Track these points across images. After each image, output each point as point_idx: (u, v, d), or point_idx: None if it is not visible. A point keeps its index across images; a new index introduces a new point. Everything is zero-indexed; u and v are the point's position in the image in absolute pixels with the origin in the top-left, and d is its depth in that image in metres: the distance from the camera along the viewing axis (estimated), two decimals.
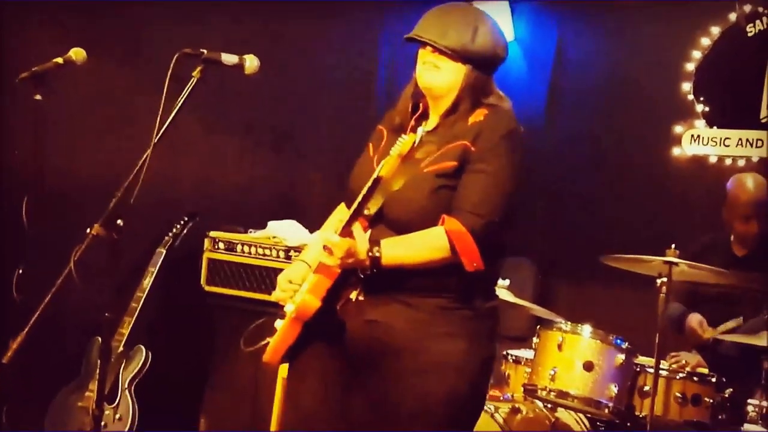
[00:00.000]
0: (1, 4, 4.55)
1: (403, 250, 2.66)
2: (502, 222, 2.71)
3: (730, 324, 4.22)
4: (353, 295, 2.74)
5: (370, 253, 2.62)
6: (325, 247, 2.60)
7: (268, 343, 2.81)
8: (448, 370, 2.70)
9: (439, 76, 2.79)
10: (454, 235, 2.64)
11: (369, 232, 2.69)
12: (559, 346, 4.17)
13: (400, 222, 2.70)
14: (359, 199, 2.62)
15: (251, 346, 2.93)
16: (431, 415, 2.69)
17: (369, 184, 2.60)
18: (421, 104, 2.89)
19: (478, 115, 2.77)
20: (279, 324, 2.81)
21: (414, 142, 2.57)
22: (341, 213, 2.99)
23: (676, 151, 5.48)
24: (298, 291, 2.79)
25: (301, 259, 2.95)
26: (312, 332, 2.76)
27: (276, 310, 2.86)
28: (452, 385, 2.70)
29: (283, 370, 4.43)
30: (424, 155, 2.68)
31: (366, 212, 2.66)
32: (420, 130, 2.65)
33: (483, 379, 2.82)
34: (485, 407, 4.15)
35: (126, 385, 4.58)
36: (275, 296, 2.87)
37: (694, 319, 4.41)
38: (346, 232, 2.63)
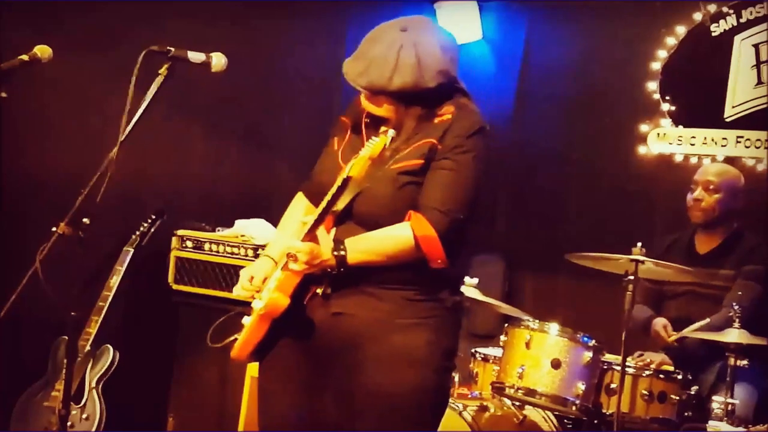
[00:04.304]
0: None
1: (368, 247, 2.68)
2: (466, 218, 2.72)
3: (696, 326, 4.25)
4: (320, 290, 2.75)
5: (335, 253, 2.64)
6: (289, 255, 2.62)
7: (235, 339, 2.82)
8: (413, 361, 2.71)
9: (374, 106, 2.77)
10: (419, 233, 2.66)
11: (334, 229, 2.71)
12: (527, 344, 4.19)
13: (367, 218, 2.71)
14: (328, 198, 2.63)
15: (218, 342, 2.92)
16: (396, 405, 2.70)
17: (338, 183, 2.60)
18: None
19: (445, 114, 2.76)
20: (246, 320, 2.81)
21: (385, 145, 2.58)
22: (300, 203, 2.99)
23: (641, 150, 5.51)
24: (259, 288, 2.79)
25: (266, 254, 2.93)
26: (280, 328, 2.76)
27: (244, 307, 2.86)
28: (417, 375, 2.71)
29: (252, 369, 4.46)
30: (392, 152, 2.69)
31: (333, 209, 2.67)
32: (391, 132, 2.65)
33: (446, 371, 2.82)
34: (453, 405, 4.16)
35: (93, 385, 4.56)
36: (236, 293, 2.86)
37: (659, 323, 4.43)
38: (313, 235, 2.64)
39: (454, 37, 2.83)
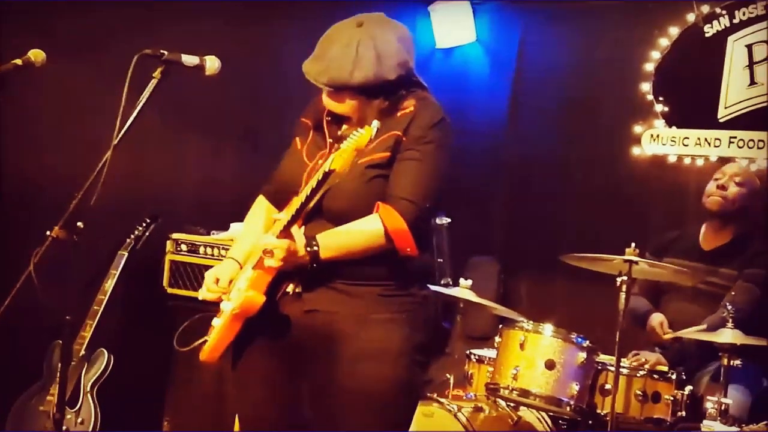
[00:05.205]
0: None
1: (340, 240, 2.70)
2: (432, 207, 2.78)
3: (692, 330, 4.25)
4: (290, 288, 2.76)
5: (308, 248, 2.66)
6: (265, 251, 2.62)
7: (204, 341, 2.82)
8: (388, 356, 2.74)
9: (336, 103, 2.82)
10: (388, 222, 2.69)
11: (303, 227, 2.71)
12: (522, 345, 4.20)
13: (338, 213, 2.73)
14: (307, 192, 2.62)
15: (185, 345, 2.93)
16: (373, 400, 2.73)
17: (318, 177, 2.59)
18: None
19: (407, 107, 2.80)
20: (216, 322, 2.81)
21: (370, 137, 2.58)
22: (261, 207, 3.02)
23: (635, 151, 5.52)
24: (226, 289, 2.81)
25: (230, 256, 2.95)
26: (251, 328, 2.77)
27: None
28: (392, 370, 2.74)
29: None
30: None
31: (310, 204, 2.67)
32: (375, 123, 2.63)
33: (419, 365, 2.84)
34: (448, 406, 4.17)
35: (88, 389, 4.56)
36: (202, 295, 2.88)
37: (656, 320, 4.44)
38: (288, 232, 2.64)
39: (408, 29, 2.87)
